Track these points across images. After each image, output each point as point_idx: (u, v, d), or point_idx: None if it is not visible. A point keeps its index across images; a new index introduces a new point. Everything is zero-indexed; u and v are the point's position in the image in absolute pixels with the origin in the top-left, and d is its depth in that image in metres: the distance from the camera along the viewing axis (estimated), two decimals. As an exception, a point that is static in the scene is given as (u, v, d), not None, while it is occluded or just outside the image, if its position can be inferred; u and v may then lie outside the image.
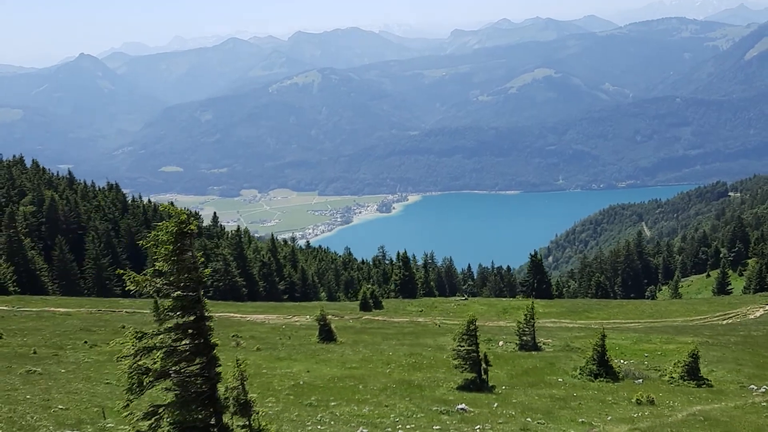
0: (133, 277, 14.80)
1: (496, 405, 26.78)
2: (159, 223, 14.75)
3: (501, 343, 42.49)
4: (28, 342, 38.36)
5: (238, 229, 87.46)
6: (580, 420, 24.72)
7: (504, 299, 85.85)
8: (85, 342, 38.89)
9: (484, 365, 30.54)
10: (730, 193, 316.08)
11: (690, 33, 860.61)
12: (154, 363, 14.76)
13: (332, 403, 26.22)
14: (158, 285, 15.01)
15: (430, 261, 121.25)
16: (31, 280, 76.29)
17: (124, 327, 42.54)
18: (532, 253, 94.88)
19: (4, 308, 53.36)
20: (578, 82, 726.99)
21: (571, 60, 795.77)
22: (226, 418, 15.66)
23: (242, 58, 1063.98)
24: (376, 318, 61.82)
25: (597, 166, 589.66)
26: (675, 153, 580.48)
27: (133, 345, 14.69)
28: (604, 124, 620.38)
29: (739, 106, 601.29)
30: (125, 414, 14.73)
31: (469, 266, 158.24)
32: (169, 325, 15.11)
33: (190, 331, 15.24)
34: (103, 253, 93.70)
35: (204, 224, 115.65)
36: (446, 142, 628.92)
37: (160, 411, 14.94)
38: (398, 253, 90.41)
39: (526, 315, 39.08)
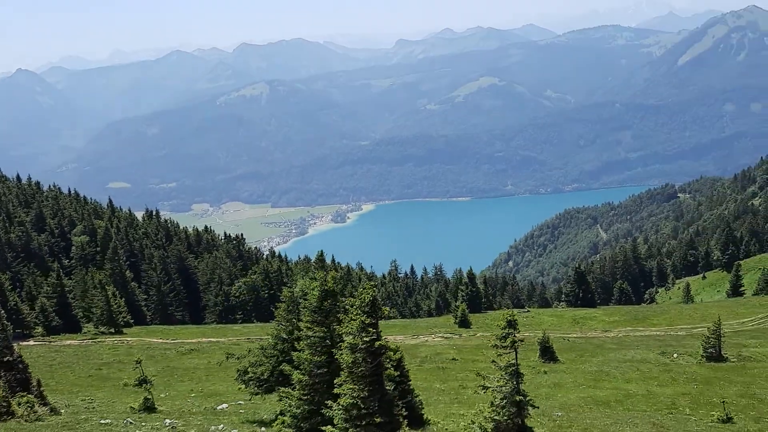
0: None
1: None
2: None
3: (675, 355, 47.65)
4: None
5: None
6: None
7: (566, 310, 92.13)
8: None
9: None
10: (679, 195, 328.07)
11: (625, 40, 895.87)
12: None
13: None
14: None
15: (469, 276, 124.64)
16: (134, 312, 77.64)
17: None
18: (576, 265, 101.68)
19: (164, 341, 55.40)
20: (522, 89, 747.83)
21: (514, 68, 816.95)
22: None
23: (187, 71, 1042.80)
24: (486, 334, 66.62)
25: (544, 170, 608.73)
26: (617, 156, 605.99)
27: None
28: (549, 129, 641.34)
29: (675, 110, 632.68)
30: None
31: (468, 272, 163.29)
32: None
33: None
34: (164, 280, 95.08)
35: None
36: (397, 151, 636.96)
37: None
38: (459, 269, 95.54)
39: (714, 328, 44.31)
